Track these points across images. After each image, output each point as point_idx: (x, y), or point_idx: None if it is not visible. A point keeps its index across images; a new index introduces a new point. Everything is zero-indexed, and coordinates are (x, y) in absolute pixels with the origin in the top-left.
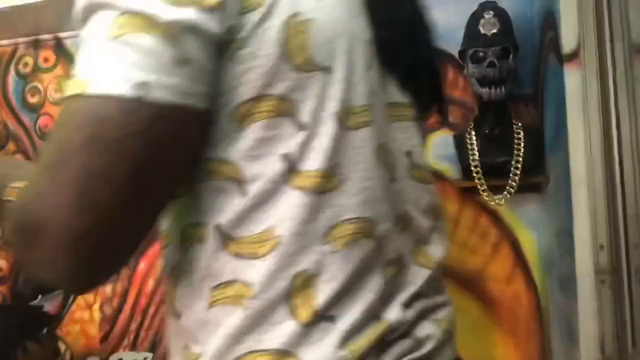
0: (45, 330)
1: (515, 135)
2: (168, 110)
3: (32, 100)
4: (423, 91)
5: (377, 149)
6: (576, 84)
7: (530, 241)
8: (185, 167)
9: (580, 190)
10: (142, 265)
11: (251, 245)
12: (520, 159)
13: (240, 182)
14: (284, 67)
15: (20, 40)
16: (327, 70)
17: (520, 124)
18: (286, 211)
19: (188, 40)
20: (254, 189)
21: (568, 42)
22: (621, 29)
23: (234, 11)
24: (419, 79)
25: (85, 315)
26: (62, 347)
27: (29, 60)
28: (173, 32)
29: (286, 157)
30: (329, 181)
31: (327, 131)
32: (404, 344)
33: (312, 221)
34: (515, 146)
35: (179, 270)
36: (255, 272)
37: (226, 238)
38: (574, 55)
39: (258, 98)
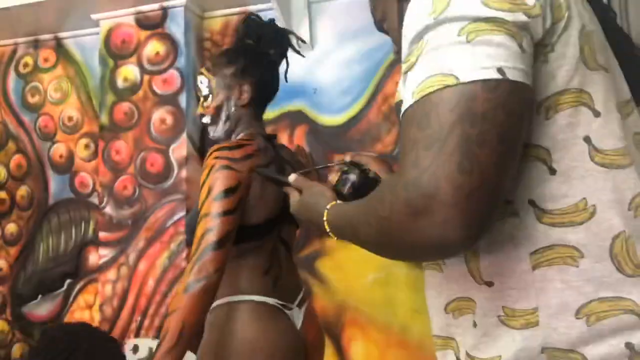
0: None
1: None
2: (520, 86)
3: (32, 100)
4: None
5: (635, 135)
6: None
7: None
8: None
9: None
10: (142, 265)
11: (566, 216)
12: None
13: (548, 163)
14: (581, 66)
15: (20, 40)
16: (606, 69)
17: None
18: (595, 184)
19: (524, 36)
20: (562, 167)
21: None
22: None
23: (549, 20)
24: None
25: (85, 315)
26: None
27: (29, 60)
28: (514, 31)
29: (587, 139)
30: (624, 158)
31: (616, 117)
32: None
33: (618, 191)
34: None
35: (486, 242)
36: (577, 236)
37: (540, 211)
38: None
39: (563, 91)
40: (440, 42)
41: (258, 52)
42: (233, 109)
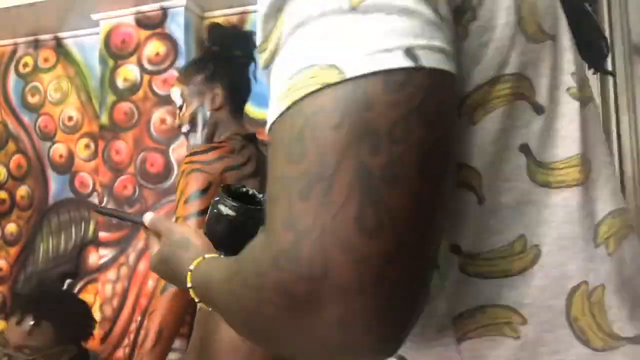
0: None
1: None
2: (442, 76)
3: (32, 100)
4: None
5: (598, 128)
6: None
7: None
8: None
9: None
10: (142, 265)
11: (500, 262)
12: None
13: (477, 189)
14: (519, 38)
15: (20, 40)
16: (553, 37)
17: None
18: (538, 214)
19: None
20: (495, 196)
21: None
22: (621, 29)
23: None
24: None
25: None
26: None
27: (29, 60)
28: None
29: (525, 149)
30: (579, 171)
31: (568, 110)
32: None
33: (574, 222)
34: None
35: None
36: (515, 292)
37: (466, 258)
38: None
39: (493, 80)
40: (309, 14)
41: (225, 57)
42: (208, 113)
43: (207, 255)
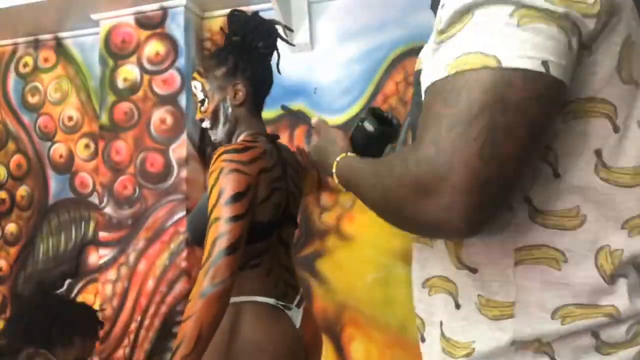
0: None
1: None
2: (559, 85)
3: (32, 100)
4: None
5: None
6: None
7: None
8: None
9: None
10: (142, 265)
11: (558, 219)
12: None
13: (554, 166)
14: (615, 77)
15: (20, 40)
16: (637, 83)
17: None
18: (594, 197)
19: (575, 34)
20: (567, 173)
21: None
22: None
23: (601, 22)
24: None
25: None
26: None
27: (29, 60)
28: (566, 25)
29: (598, 152)
30: (632, 179)
31: (634, 135)
32: None
33: (613, 209)
34: None
35: None
36: (564, 240)
37: (534, 210)
38: None
39: (589, 99)
40: (488, 20)
41: (246, 48)
42: (230, 109)
43: (349, 153)
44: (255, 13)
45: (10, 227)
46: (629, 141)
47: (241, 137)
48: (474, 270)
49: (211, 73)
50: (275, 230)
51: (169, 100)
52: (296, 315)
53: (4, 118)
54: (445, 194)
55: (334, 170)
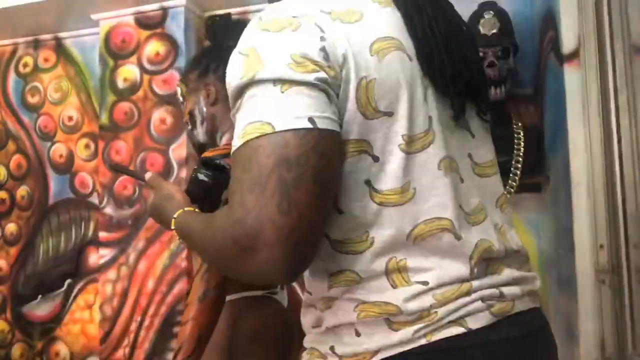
0: None
1: (515, 135)
2: (329, 132)
3: (32, 100)
4: (470, 94)
5: (442, 160)
6: (576, 84)
7: (529, 241)
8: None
9: (580, 190)
10: (142, 265)
11: (353, 245)
12: (520, 159)
13: (338, 204)
14: (358, 118)
15: (20, 40)
16: (389, 113)
17: (520, 124)
18: (376, 220)
19: (329, 89)
20: (347, 207)
21: (568, 42)
22: (621, 29)
23: (338, 78)
24: (465, 83)
25: (85, 315)
26: (62, 347)
27: (29, 60)
28: (318, 85)
29: (368, 182)
30: (401, 197)
31: (397, 159)
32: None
33: (393, 227)
34: (515, 146)
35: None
36: (358, 263)
37: (334, 242)
38: (573, 55)
39: (346, 142)
40: (260, 93)
41: (217, 48)
42: (205, 109)
43: (186, 208)
44: (229, 16)
45: (10, 227)
46: (391, 164)
47: (224, 140)
48: (310, 293)
49: (187, 77)
50: None
51: (169, 100)
52: (282, 297)
53: (4, 118)
54: (261, 250)
55: (172, 227)
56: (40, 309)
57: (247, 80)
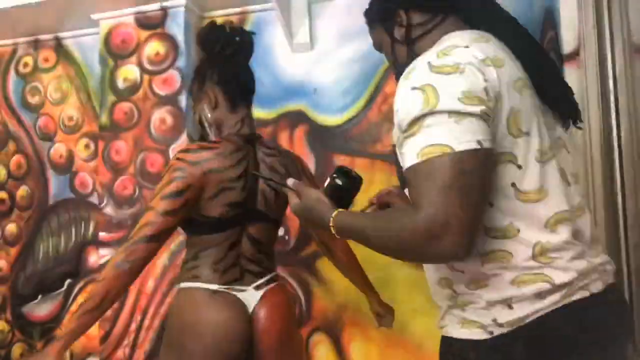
0: None
1: None
2: (490, 151)
3: (32, 100)
4: (565, 112)
5: (559, 170)
6: (576, 84)
7: None
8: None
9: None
10: None
11: (501, 231)
12: None
13: (490, 200)
14: (507, 136)
15: (20, 40)
16: (527, 134)
17: None
18: (519, 213)
19: (488, 119)
20: (498, 203)
21: (568, 42)
22: (621, 29)
23: (494, 109)
24: (560, 103)
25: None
26: None
27: (29, 60)
28: (482, 115)
29: (514, 185)
30: (539, 194)
31: (534, 166)
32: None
33: (535, 217)
34: None
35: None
36: (507, 246)
37: (486, 229)
38: (574, 55)
39: (499, 154)
40: (436, 122)
41: (209, 57)
42: (209, 115)
43: (340, 210)
44: (213, 22)
45: (10, 227)
46: (530, 171)
47: (212, 139)
48: (461, 272)
49: (192, 90)
50: (231, 225)
51: (169, 100)
52: (251, 297)
53: (4, 118)
54: (447, 237)
55: (331, 224)
56: (40, 309)
57: (428, 110)
